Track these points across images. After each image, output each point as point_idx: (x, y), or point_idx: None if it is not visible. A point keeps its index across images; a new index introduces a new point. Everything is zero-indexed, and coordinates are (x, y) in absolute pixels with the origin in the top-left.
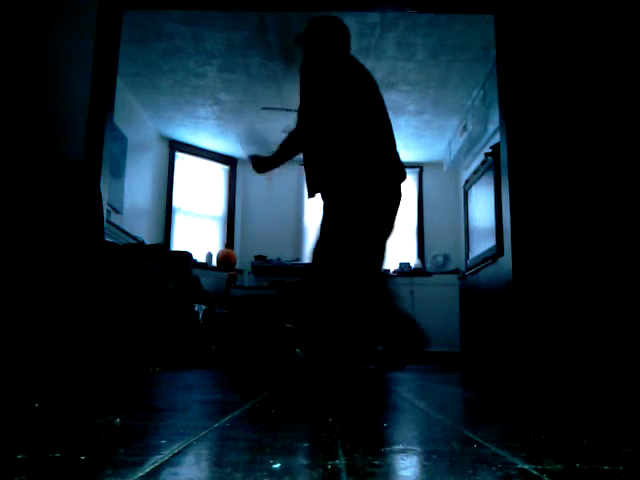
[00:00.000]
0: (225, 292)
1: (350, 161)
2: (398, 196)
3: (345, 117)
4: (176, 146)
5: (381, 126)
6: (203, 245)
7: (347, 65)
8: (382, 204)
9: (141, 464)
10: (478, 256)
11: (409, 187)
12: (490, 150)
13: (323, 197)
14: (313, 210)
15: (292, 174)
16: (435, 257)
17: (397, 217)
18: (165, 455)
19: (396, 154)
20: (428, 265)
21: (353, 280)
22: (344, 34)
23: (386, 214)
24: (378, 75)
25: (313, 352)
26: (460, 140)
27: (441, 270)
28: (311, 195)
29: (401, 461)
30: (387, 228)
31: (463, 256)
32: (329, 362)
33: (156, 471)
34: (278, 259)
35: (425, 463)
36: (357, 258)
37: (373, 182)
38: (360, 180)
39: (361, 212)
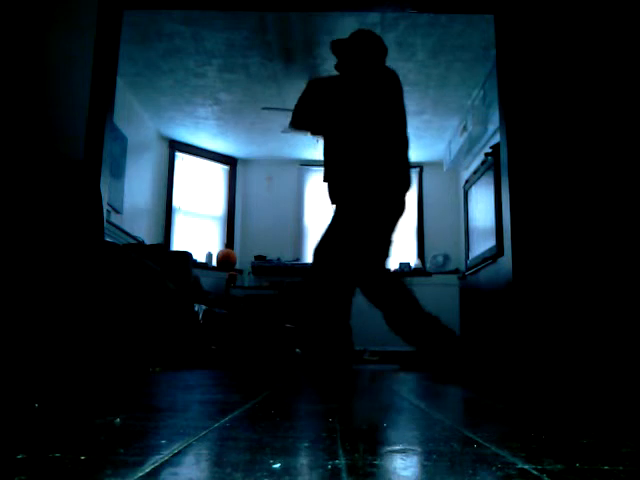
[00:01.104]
0: (225, 292)
1: (365, 172)
2: (402, 207)
3: (366, 129)
4: (176, 146)
5: (398, 140)
6: (203, 245)
7: (379, 77)
8: (389, 215)
9: (141, 464)
10: (478, 256)
11: None
12: (490, 150)
13: (337, 203)
14: (313, 210)
15: (292, 174)
16: (435, 257)
17: (397, 226)
18: (165, 455)
19: (407, 166)
20: (428, 265)
21: (352, 282)
22: (382, 51)
23: (390, 224)
24: None
25: (312, 352)
26: (460, 140)
27: (441, 270)
28: (333, 202)
29: (401, 461)
30: (389, 235)
31: (463, 256)
32: (325, 361)
33: (156, 471)
34: (278, 259)
35: (425, 463)
36: (361, 262)
37: (384, 194)
38: (373, 191)
39: (370, 221)
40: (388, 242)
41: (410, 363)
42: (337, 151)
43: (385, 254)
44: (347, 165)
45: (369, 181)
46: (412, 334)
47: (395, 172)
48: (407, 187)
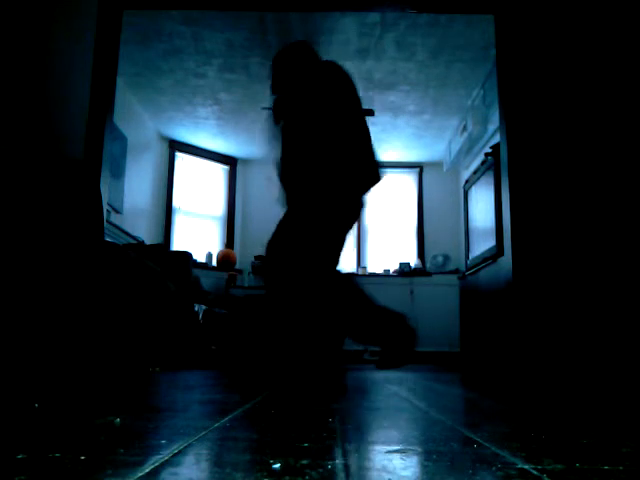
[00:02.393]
0: (225, 292)
1: (322, 170)
2: (359, 207)
3: (322, 125)
4: (176, 146)
5: (357, 132)
6: (203, 245)
7: (324, 72)
8: (346, 214)
9: (141, 464)
10: (478, 256)
11: (409, 187)
12: (490, 150)
13: (290, 199)
14: None
15: None
16: (435, 257)
17: (352, 225)
18: (165, 455)
19: (371, 157)
20: (428, 265)
21: (315, 282)
22: (310, 54)
23: (346, 223)
24: (378, 75)
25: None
26: (460, 140)
27: (441, 270)
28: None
29: (401, 461)
30: (342, 232)
31: (463, 256)
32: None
33: (156, 471)
34: None
35: (425, 463)
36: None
37: (340, 193)
38: (329, 190)
39: (324, 219)
40: (338, 242)
41: (385, 362)
42: (294, 152)
43: (335, 254)
44: (304, 166)
45: (326, 180)
46: (367, 334)
47: (352, 170)
48: (367, 184)
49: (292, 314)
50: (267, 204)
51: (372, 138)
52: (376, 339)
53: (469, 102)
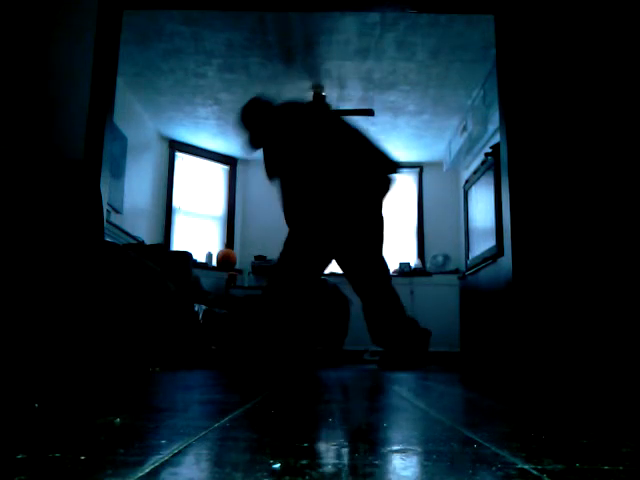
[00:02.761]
0: (225, 292)
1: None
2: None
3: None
4: (176, 146)
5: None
6: (203, 245)
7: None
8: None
9: (141, 464)
10: (478, 256)
11: (409, 187)
12: (490, 150)
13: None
14: None
15: None
16: (435, 257)
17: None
18: (165, 455)
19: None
20: (428, 265)
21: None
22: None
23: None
24: (378, 75)
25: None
26: (460, 140)
27: (441, 270)
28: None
29: (401, 461)
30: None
31: (463, 256)
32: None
33: (156, 471)
34: None
35: (425, 463)
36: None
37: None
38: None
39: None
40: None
41: (388, 363)
42: (296, 187)
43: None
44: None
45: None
46: (389, 335)
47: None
48: (381, 192)
49: (290, 314)
50: (267, 204)
51: (372, 138)
52: (389, 341)
53: (469, 102)
